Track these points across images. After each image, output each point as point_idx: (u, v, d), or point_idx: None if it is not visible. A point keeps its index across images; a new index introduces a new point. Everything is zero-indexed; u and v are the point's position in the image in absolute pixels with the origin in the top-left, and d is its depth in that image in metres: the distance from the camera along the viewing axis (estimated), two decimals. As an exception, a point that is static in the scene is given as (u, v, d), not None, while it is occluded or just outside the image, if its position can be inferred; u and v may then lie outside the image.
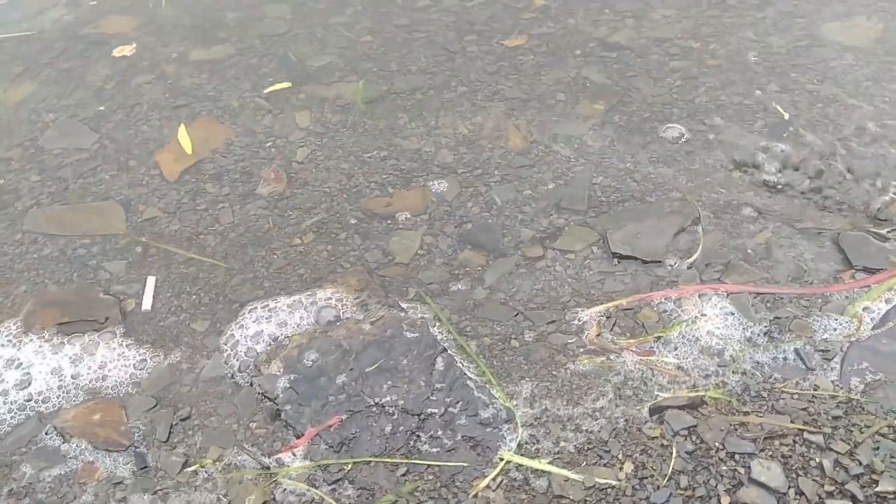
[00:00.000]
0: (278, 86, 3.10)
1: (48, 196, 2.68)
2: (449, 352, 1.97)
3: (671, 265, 2.23)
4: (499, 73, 3.12)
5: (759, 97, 2.88)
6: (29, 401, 2.00)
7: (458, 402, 1.85)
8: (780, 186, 2.50)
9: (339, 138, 2.84)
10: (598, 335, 2.03)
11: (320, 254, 2.39)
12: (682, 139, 2.71)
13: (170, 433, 1.91)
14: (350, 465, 1.75)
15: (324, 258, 2.37)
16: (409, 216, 2.49)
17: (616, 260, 2.26)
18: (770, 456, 1.70)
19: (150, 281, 2.31)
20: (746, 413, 1.80)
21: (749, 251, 2.27)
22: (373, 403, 1.86)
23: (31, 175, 2.78)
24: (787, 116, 2.72)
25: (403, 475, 1.73)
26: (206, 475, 1.79)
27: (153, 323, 2.20)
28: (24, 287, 2.35)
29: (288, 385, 1.93)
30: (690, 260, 2.23)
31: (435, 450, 1.78)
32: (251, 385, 1.98)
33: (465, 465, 1.74)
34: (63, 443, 1.90)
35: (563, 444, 1.76)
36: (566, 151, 2.70)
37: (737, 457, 1.70)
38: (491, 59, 3.20)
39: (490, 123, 2.85)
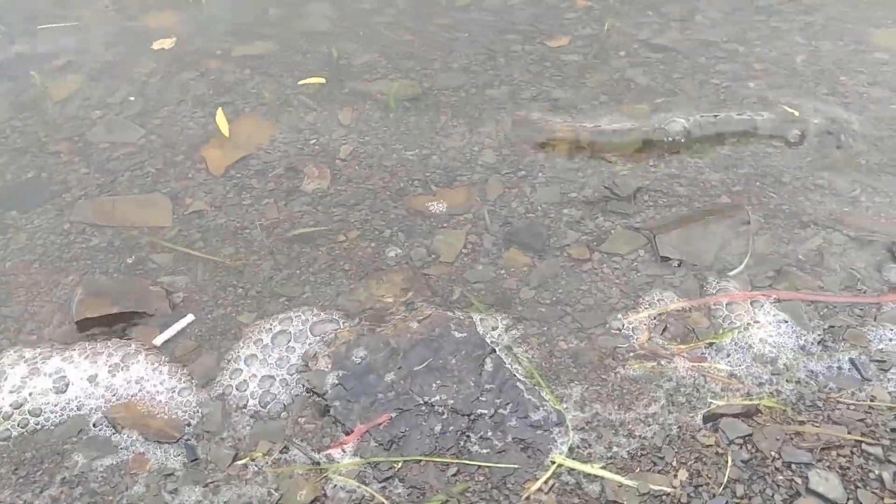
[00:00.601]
0: (312, 80, 3.11)
1: (96, 188, 2.71)
2: (497, 353, 1.97)
3: (721, 270, 2.20)
4: (542, 73, 3.10)
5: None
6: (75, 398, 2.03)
7: (508, 404, 1.84)
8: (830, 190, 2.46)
9: (382, 136, 2.84)
10: (649, 340, 2.01)
11: (364, 251, 2.39)
12: (728, 143, 2.68)
13: (220, 426, 1.92)
14: (400, 464, 1.75)
15: (368, 255, 2.37)
16: (453, 214, 2.48)
17: (664, 264, 2.23)
18: (828, 467, 1.67)
19: (188, 319, 2.20)
20: (802, 423, 1.78)
21: (800, 257, 2.23)
22: (422, 402, 1.85)
23: (80, 167, 2.81)
24: (796, 114, 2.71)
25: (454, 475, 1.73)
26: (256, 469, 1.80)
27: (200, 316, 2.21)
28: (73, 276, 2.38)
29: (336, 381, 1.93)
30: (741, 266, 2.20)
31: (485, 451, 1.77)
32: (299, 380, 1.99)
33: (516, 467, 1.73)
34: (114, 433, 1.92)
35: (615, 449, 1.75)
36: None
37: (793, 467, 1.68)
38: (534, 59, 3.19)
39: (535, 124, 2.83)
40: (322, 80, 3.12)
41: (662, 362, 1.95)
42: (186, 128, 2.95)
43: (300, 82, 3.10)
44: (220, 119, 2.91)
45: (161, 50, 3.40)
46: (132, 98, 3.09)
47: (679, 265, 2.22)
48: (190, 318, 2.19)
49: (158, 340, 2.14)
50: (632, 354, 1.98)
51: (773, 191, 2.48)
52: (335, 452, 1.80)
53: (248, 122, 2.95)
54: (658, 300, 2.13)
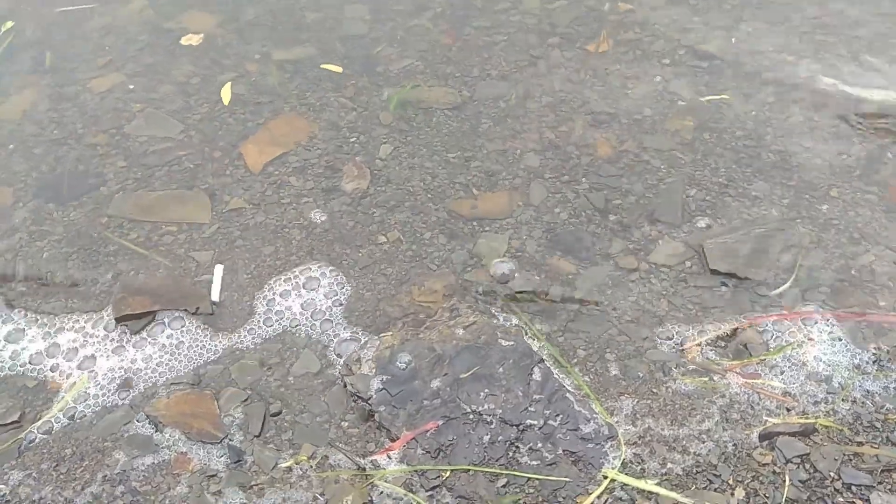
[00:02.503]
0: (331, 66, 3.12)
1: (133, 182, 2.70)
2: (546, 362, 1.93)
3: (772, 284, 2.16)
4: (583, 83, 3.06)
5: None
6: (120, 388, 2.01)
7: (557, 415, 1.80)
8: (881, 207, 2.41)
9: (423, 137, 2.81)
10: (700, 354, 1.97)
11: (405, 253, 2.37)
12: (776, 156, 2.63)
13: (262, 427, 1.90)
14: (448, 473, 1.72)
15: (408, 258, 2.35)
16: (495, 219, 2.45)
17: (714, 276, 2.19)
18: (889, 489, 1.63)
19: (218, 270, 2.31)
20: (860, 443, 1.73)
21: (853, 273, 2.18)
22: (469, 411, 1.82)
23: (118, 160, 2.80)
24: None
25: (503, 486, 1.70)
26: (300, 472, 1.78)
27: (240, 315, 2.19)
28: (111, 273, 2.36)
29: (381, 386, 1.90)
30: (791, 279, 2.15)
31: (535, 462, 1.73)
32: (343, 384, 1.96)
33: (567, 480, 1.69)
34: (155, 432, 1.90)
35: (669, 465, 1.71)
36: (656, 161, 2.64)
37: (853, 488, 1.63)
38: (574, 67, 3.15)
39: (578, 131, 2.79)
40: (340, 69, 3.11)
41: (714, 378, 1.91)
42: (225, 124, 2.93)
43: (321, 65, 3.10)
44: (225, 91, 3.01)
45: (195, 48, 3.37)
46: (131, 87, 3.11)
47: (725, 277, 2.18)
48: (219, 268, 2.29)
49: (215, 297, 2.23)
50: (682, 369, 1.94)
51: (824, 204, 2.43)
52: (381, 458, 1.78)
53: (287, 121, 2.93)
54: (707, 313, 2.09)
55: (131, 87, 3.12)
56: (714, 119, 2.80)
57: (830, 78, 3.00)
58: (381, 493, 1.71)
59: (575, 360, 1.97)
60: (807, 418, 1.79)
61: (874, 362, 1.92)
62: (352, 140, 2.82)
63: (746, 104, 2.87)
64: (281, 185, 2.64)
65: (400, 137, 2.82)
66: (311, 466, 1.78)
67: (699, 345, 1.99)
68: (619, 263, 2.27)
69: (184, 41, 3.39)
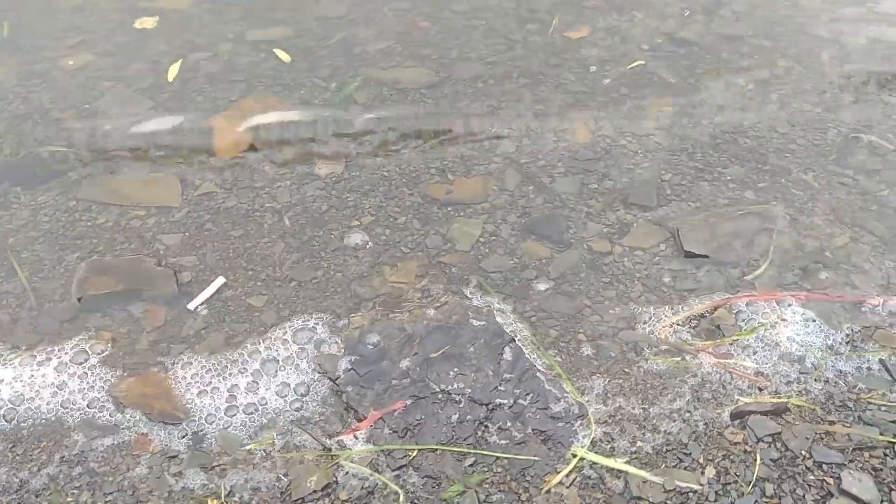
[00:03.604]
0: (281, 53, 3.08)
1: (101, 165, 2.64)
2: (517, 342, 1.90)
3: (746, 266, 2.14)
4: (561, 66, 3.05)
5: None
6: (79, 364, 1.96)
7: (527, 394, 1.77)
8: (857, 191, 2.40)
9: (398, 121, 2.78)
10: (672, 335, 1.95)
11: (378, 237, 2.33)
12: (754, 140, 2.62)
13: (228, 407, 1.85)
14: (415, 452, 1.68)
15: (382, 241, 2.31)
16: (470, 203, 2.42)
17: (688, 259, 2.17)
18: (860, 468, 1.61)
19: (218, 282, 2.18)
20: (832, 422, 1.71)
21: (828, 255, 2.17)
22: (438, 390, 1.79)
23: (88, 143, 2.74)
24: None
25: (471, 466, 1.66)
26: (264, 453, 1.73)
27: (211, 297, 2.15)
28: (78, 254, 2.31)
29: (349, 366, 1.86)
30: (766, 262, 2.14)
31: (504, 441, 1.70)
32: (310, 364, 1.92)
33: (535, 459, 1.66)
34: (116, 412, 1.85)
35: (639, 444, 1.68)
36: (633, 146, 2.62)
37: (825, 467, 1.61)
38: (553, 51, 3.13)
39: (554, 115, 2.77)
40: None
41: (687, 358, 1.88)
42: (196, 104, 2.88)
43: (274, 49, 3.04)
44: (173, 69, 2.98)
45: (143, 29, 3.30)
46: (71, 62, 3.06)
47: (699, 260, 2.16)
48: (220, 280, 2.17)
49: (192, 305, 2.11)
50: (654, 349, 1.92)
51: (798, 189, 2.42)
52: (347, 439, 1.74)
53: (261, 101, 2.89)
54: (681, 296, 2.07)
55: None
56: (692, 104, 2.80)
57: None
58: (347, 473, 1.67)
59: (547, 341, 1.94)
60: (779, 398, 1.77)
61: (847, 343, 1.91)
62: (325, 123, 2.78)
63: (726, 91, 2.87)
64: (254, 169, 2.60)
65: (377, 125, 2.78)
66: (276, 447, 1.74)
67: (672, 325, 1.97)
68: (593, 247, 2.25)
69: (138, 25, 3.33)
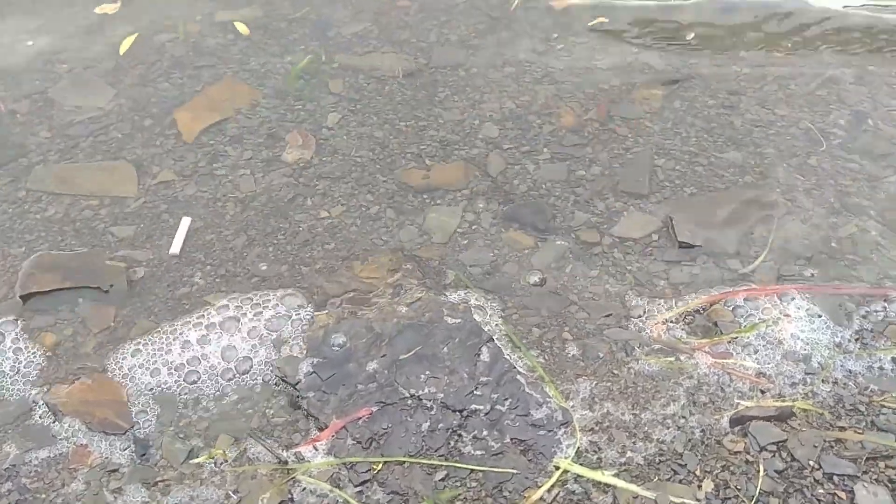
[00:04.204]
0: (240, 25, 2.92)
1: (56, 153, 2.46)
2: (495, 341, 1.73)
3: (745, 257, 1.98)
4: (548, 53, 2.87)
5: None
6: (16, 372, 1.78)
7: (506, 399, 1.60)
8: (862, 175, 2.24)
9: (374, 105, 2.60)
10: (666, 332, 1.78)
11: (349, 228, 2.15)
12: (751, 123, 2.46)
13: (174, 416, 1.68)
14: (380, 465, 1.51)
15: (353, 233, 2.14)
16: (448, 191, 2.25)
17: (683, 250, 2.01)
18: (875, 479, 1.45)
19: (185, 222, 2.12)
20: (843, 428, 1.55)
21: (833, 245, 2.01)
22: (408, 395, 1.62)
23: (41, 130, 2.55)
24: None
25: (442, 480, 1.49)
26: (213, 467, 1.56)
27: (162, 294, 1.97)
28: (24, 249, 2.13)
29: (311, 370, 1.69)
30: (765, 252, 1.98)
31: (479, 452, 1.53)
32: (269, 367, 1.75)
33: (514, 472, 1.49)
34: (54, 421, 1.67)
35: (629, 454, 1.52)
36: (623, 130, 2.45)
37: (836, 479, 1.45)
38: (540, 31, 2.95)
39: (540, 100, 2.60)
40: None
41: (681, 358, 1.72)
42: (159, 89, 2.69)
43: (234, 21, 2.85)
44: (126, 43, 2.83)
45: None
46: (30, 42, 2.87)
47: (694, 251, 2.00)
48: (187, 220, 2.13)
49: (175, 249, 2.06)
50: (646, 348, 1.75)
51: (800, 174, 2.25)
52: (306, 450, 1.57)
53: (229, 86, 2.70)
54: (676, 290, 1.90)
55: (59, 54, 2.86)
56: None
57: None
58: (304, 489, 1.50)
59: (529, 339, 1.77)
60: (783, 401, 1.61)
61: (857, 340, 1.75)
62: (297, 108, 2.60)
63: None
64: (216, 155, 2.42)
65: (349, 106, 2.60)
66: (227, 460, 1.57)
67: (665, 322, 1.81)
68: (580, 237, 2.08)
69: (98, 10, 3.13)
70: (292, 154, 2.41)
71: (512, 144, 2.41)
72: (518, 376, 1.65)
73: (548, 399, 1.61)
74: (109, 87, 2.71)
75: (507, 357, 1.70)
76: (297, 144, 2.44)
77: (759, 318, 1.80)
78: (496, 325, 1.80)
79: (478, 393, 1.61)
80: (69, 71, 2.79)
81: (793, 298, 1.83)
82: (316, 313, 1.85)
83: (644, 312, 1.85)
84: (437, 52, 2.82)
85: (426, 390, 1.61)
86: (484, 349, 1.69)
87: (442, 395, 1.60)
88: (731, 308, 1.83)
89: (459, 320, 1.75)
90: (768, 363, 1.70)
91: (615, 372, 1.69)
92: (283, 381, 1.70)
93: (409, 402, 1.60)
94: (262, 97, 2.64)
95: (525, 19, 2.98)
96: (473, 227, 2.13)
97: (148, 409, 1.71)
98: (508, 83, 2.66)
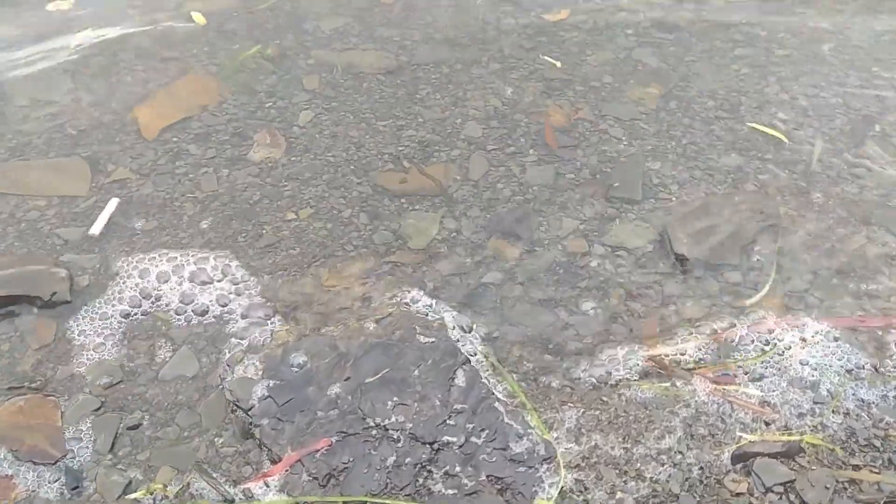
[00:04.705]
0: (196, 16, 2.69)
1: (6, 150, 2.27)
2: (472, 363, 1.56)
3: (748, 271, 1.82)
4: (537, 49, 2.70)
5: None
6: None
7: (482, 430, 1.43)
8: (867, 187, 2.09)
9: (351, 103, 2.43)
10: (660, 355, 1.62)
11: (318, 232, 1.98)
12: (750, 128, 2.30)
13: (113, 445, 1.50)
14: (339, 505, 1.34)
15: (321, 237, 1.96)
16: (426, 195, 2.08)
17: (679, 262, 1.84)
18: (895, 529, 1.29)
19: (112, 203, 2.01)
20: (857, 467, 1.39)
21: (843, 259, 1.85)
22: (373, 425, 1.44)
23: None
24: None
25: (408, 523, 1.32)
26: (151, 503, 1.38)
27: (105, 302, 1.79)
28: (-35, 251, 1.94)
29: (266, 393, 1.52)
30: (772, 268, 1.82)
31: (451, 491, 1.36)
32: (221, 389, 1.57)
33: (489, 514, 1.32)
34: (-22, 449, 1.49)
35: (619, 494, 1.35)
36: (616, 132, 2.29)
37: (850, 527, 1.29)
38: (529, 34, 2.79)
39: (527, 98, 2.43)
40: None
41: (678, 384, 1.55)
42: (122, 82, 2.51)
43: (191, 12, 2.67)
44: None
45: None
46: None
47: (692, 263, 1.84)
48: (115, 201, 2.02)
49: (95, 230, 1.94)
50: (639, 372, 1.58)
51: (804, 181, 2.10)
52: (256, 486, 1.39)
53: (196, 80, 2.52)
54: (671, 306, 1.74)
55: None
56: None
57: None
58: (251, 531, 1.32)
59: (509, 361, 1.61)
60: (790, 435, 1.44)
61: (870, 366, 1.59)
62: (268, 105, 2.43)
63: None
64: (178, 153, 2.24)
65: (324, 104, 2.43)
66: (167, 496, 1.39)
67: (660, 343, 1.64)
68: (568, 247, 1.91)
69: (51, 6, 2.93)
70: (259, 153, 2.23)
71: (496, 145, 2.25)
72: (496, 404, 1.48)
73: (529, 430, 1.44)
74: (68, 80, 2.53)
75: (485, 381, 1.53)
76: (265, 143, 2.27)
77: (763, 341, 1.64)
78: (474, 344, 1.63)
79: (451, 423, 1.44)
80: (26, 63, 2.60)
81: (799, 319, 1.67)
82: (274, 329, 1.68)
83: (637, 331, 1.68)
84: (421, 51, 2.65)
85: (393, 419, 1.44)
86: (459, 372, 1.52)
87: (411, 425, 1.43)
88: (731, 328, 1.67)
89: (433, 339, 1.58)
90: (773, 390, 1.54)
91: (604, 399, 1.52)
92: (235, 405, 1.52)
93: (374, 432, 1.43)
94: (230, 94, 2.46)
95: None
96: (453, 235, 1.96)
97: (84, 435, 1.53)
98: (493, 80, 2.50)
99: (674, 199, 2.03)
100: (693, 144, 2.23)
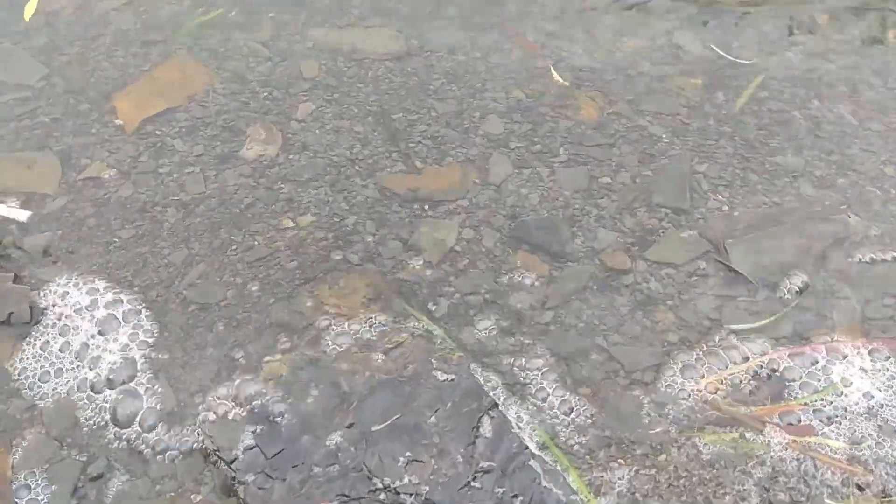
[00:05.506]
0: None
1: (-32, 141, 2.02)
2: (501, 408, 1.30)
3: (818, 293, 1.56)
4: (559, 35, 2.43)
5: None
6: None
7: (515, 496, 1.18)
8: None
9: (356, 94, 2.16)
10: (721, 394, 1.36)
11: (318, 243, 1.72)
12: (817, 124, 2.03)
13: (70, 500, 1.25)
14: (339, 592, 1.09)
15: (322, 249, 1.71)
16: (442, 199, 1.82)
17: (738, 281, 1.58)
18: None
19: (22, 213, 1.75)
20: (976, 547, 1.13)
21: (928, 281, 1.59)
22: (381, 486, 1.19)
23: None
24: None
25: None
26: (109, 584, 1.13)
27: (68, 322, 1.54)
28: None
29: (253, 442, 1.26)
30: (847, 288, 1.56)
31: (477, 574, 1.11)
32: (198, 435, 1.32)
33: None
34: None
35: (687, 584, 1.09)
36: (656, 128, 2.02)
37: None
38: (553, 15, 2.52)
39: (554, 90, 2.17)
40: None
41: (747, 434, 1.29)
42: (100, 69, 2.25)
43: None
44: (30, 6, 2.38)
45: None
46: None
47: (760, 284, 1.58)
48: (26, 213, 1.77)
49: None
50: (699, 417, 1.33)
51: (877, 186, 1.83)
52: (237, 563, 1.14)
53: (180, 66, 2.26)
54: (729, 336, 1.48)
55: None
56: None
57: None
58: None
59: (543, 403, 1.35)
60: (890, 501, 1.19)
61: (972, 411, 1.33)
62: (262, 95, 2.16)
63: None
64: (161, 148, 1.98)
65: (325, 94, 2.16)
66: (130, 572, 1.14)
67: (721, 381, 1.38)
68: (606, 262, 1.65)
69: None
70: (253, 150, 1.97)
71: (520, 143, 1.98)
72: (531, 461, 1.22)
73: (573, 496, 1.18)
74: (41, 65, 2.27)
75: (517, 431, 1.27)
76: (259, 139, 2.01)
77: (841, 377, 1.38)
78: (501, 383, 1.37)
79: (476, 485, 1.18)
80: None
81: (887, 357, 1.41)
82: (265, 359, 1.42)
83: (692, 365, 1.42)
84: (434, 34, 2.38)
85: (406, 479, 1.19)
86: (485, 419, 1.26)
87: (427, 488, 1.18)
88: (805, 361, 1.41)
89: (453, 376, 1.33)
90: (863, 442, 1.28)
91: (660, 454, 1.26)
92: (215, 454, 1.27)
93: (382, 496, 1.17)
94: (219, 82, 2.20)
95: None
96: (473, 248, 1.70)
97: (38, 486, 1.28)
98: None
99: (726, 206, 1.77)
100: (745, 142, 1.96)
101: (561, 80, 1.92)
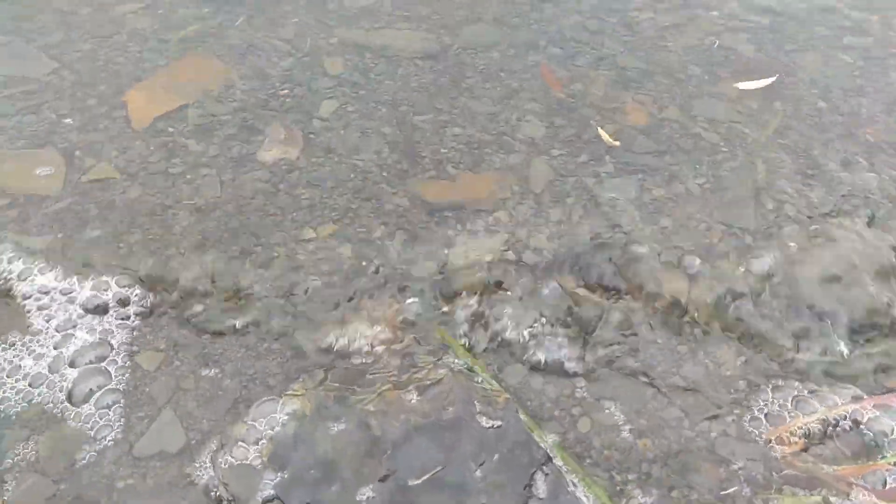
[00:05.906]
0: None
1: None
2: (555, 462, 1.15)
3: (903, 334, 1.40)
4: (603, 32, 2.27)
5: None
6: None
7: (574, 570, 1.03)
8: None
9: (383, 92, 2.01)
10: (798, 448, 1.21)
11: (341, 257, 1.57)
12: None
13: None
14: None
15: (346, 265, 1.55)
16: (480, 211, 1.66)
17: (813, 316, 1.42)
18: None
19: None
20: None
21: None
22: (420, 553, 1.04)
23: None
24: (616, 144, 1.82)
25: None
26: None
27: (63, 348, 1.39)
28: None
29: (273, 493, 1.11)
30: (934, 328, 1.39)
31: None
32: (211, 484, 1.17)
33: None
34: None
35: None
36: (712, 136, 1.86)
37: None
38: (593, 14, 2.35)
39: (598, 91, 2.00)
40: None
41: (832, 498, 1.14)
42: (113, 63, 2.09)
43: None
44: None
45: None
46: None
47: (832, 322, 1.42)
48: None
49: None
50: (775, 476, 1.17)
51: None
52: None
53: (197, 62, 2.10)
54: (807, 380, 1.32)
55: None
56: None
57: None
58: None
59: (598, 455, 1.20)
60: None
61: None
62: (283, 93, 2.01)
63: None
64: (173, 147, 1.83)
65: (350, 92, 2.01)
66: None
67: (796, 434, 1.23)
68: (665, 291, 1.49)
69: None
70: (272, 152, 1.82)
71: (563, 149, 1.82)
72: (591, 528, 1.07)
73: (639, 572, 1.03)
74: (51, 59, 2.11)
75: (574, 490, 1.12)
76: (279, 140, 1.85)
77: (937, 433, 1.22)
78: (555, 432, 1.22)
79: (529, 557, 1.03)
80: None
81: None
82: (285, 393, 1.27)
83: (763, 414, 1.27)
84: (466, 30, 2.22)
85: (448, 547, 1.04)
86: (538, 476, 1.11)
87: (473, 559, 1.03)
88: (889, 413, 1.25)
89: (499, 422, 1.17)
90: (964, 513, 1.12)
91: (735, 518, 1.11)
92: (230, 506, 1.12)
93: (422, 566, 1.03)
94: (238, 77, 2.04)
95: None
96: (515, 270, 1.54)
97: (31, 533, 1.14)
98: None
99: (796, 226, 1.61)
100: (806, 153, 1.80)
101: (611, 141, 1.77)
